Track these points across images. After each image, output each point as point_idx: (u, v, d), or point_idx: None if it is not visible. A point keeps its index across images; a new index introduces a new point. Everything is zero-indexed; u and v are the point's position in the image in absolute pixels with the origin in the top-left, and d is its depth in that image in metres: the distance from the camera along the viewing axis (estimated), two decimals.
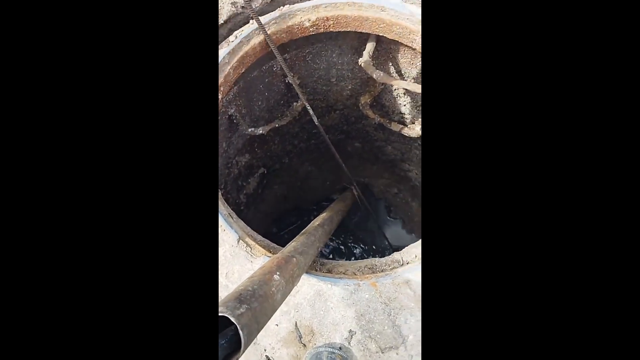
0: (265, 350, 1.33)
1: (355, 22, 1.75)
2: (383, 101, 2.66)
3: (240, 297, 0.83)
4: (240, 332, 0.74)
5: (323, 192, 3.62)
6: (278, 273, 1.02)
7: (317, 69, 2.43)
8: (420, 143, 2.83)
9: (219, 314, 0.75)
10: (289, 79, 1.90)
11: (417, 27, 1.66)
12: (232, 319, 0.75)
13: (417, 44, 1.73)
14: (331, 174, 3.48)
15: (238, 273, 1.39)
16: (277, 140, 2.85)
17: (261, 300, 0.87)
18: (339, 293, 1.38)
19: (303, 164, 3.31)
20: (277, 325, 1.34)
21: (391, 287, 1.39)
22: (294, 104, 2.50)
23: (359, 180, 3.54)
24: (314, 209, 3.62)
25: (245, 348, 0.77)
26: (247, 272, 1.39)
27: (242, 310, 0.79)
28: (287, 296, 1.04)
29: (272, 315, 0.92)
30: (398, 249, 3.54)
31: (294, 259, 1.15)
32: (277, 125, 2.40)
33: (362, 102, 2.57)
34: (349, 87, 2.61)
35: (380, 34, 1.80)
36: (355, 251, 3.57)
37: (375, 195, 3.66)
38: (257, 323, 0.82)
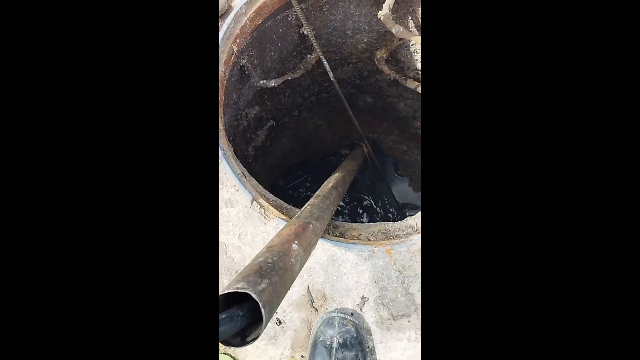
0: (276, 312, 1.32)
1: None
2: (399, 56, 2.56)
3: (261, 271, 0.80)
4: (262, 309, 0.72)
5: (332, 146, 3.56)
6: (296, 242, 0.99)
7: (333, 20, 2.33)
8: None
9: (240, 290, 0.72)
10: (306, 31, 1.82)
11: None
12: (254, 296, 0.72)
13: None
14: (341, 128, 3.41)
15: (251, 234, 1.36)
16: (287, 93, 2.77)
17: (281, 272, 0.84)
18: (353, 259, 1.36)
19: (313, 117, 3.24)
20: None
21: (406, 255, 1.37)
22: (308, 56, 2.41)
23: (368, 136, 3.48)
24: (322, 163, 3.57)
25: (267, 324, 0.75)
26: (260, 234, 1.36)
27: (263, 285, 0.76)
28: (304, 265, 1.02)
29: (290, 286, 0.90)
30: (404, 206, 3.55)
31: (311, 225, 1.12)
32: (289, 78, 2.33)
33: (378, 56, 2.48)
34: (365, 41, 2.51)
35: None
36: (363, 207, 3.55)
37: (384, 152, 3.60)
38: (278, 297, 0.80)
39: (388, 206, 3.56)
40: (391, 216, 3.52)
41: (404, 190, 3.62)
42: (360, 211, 3.53)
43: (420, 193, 3.55)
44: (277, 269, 0.83)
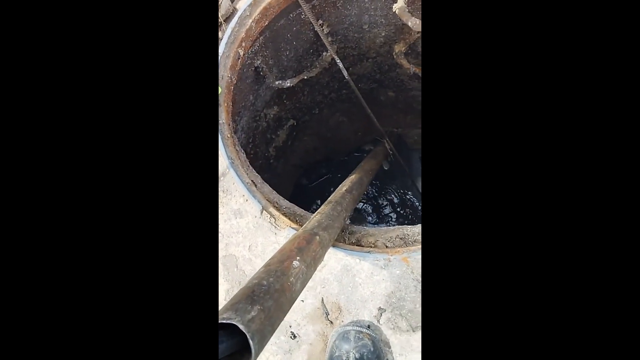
0: (290, 326, 1.28)
1: None
2: (419, 49, 2.47)
3: (253, 296, 0.75)
4: (250, 341, 0.67)
5: (355, 142, 3.49)
6: (298, 258, 0.93)
7: (349, 15, 2.26)
8: None
9: (227, 321, 0.68)
10: (317, 30, 1.75)
11: None
12: (242, 327, 0.67)
13: None
14: (363, 123, 3.34)
15: (262, 246, 1.32)
16: (306, 91, 2.72)
17: (277, 295, 0.79)
18: (368, 268, 1.30)
19: (334, 114, 3.18)
20: (302, 301, 1.28)
21: None
22: (324, 53, 2.35)
23: (392, 131, 3.40)
24: (345, 160, 3.51)
25: (257, 355, 0.70)
26: (271, 244, 1.32)
27: (253, 313, 0.71)
28: (307, 282, 0.96)
29: (289, 309, 0.85)
30: None
31: (317, 237, 1.07)
32: (305, 77, 2.27)
33: (397, 50, 2.40)
34: (383, 34, 2.43)
35: None
36: (385, 207, 3.48)
37: (409, 146, 3.52)
38: (272, 324, 0.75)
39: (413, 202, 3.47)
40: (412, 216, 3.43)
41: None
42: (384, 208, 3.46)
43: None
44: (272, 292, 0.78)
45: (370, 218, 3.43)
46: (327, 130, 3.26)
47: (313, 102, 2.87)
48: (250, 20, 1.56)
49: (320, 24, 2.20)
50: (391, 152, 2.84)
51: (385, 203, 3.48)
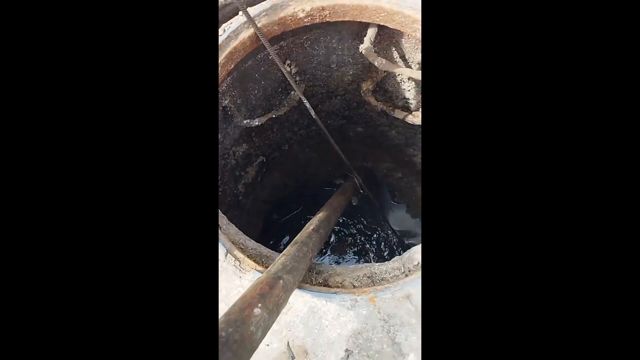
0: None
1: (353, 11, 1.62)
2: (386, 86, 2.53)
3: None
4: None
5: (325, 177, 3.52)
6: (260, 305, 0.93)
7: (316, 55, 2.30)
8: None
9: None
10: (284, 72, 1.78)
11: (420, 16, 1.53)
12: None
13: (420, 33, 1.60)
14: (333, 159, 3.36)
15: (226, 290, 1.30)
16: (275, 129, 2.74)
17: (236, 347, 0.78)
18: (335, 309, 1.30)
19: (304, 150, 3.20)
20: (267, 345, 1.26)
21: (391, 302, 1.30)
22: (292, 92, 2.38)
23: (363, 165, 3.43)
24: (316, 194, 3.52)
25: None
26: (235, 288, 1.30)
27: None
28: (269, 328, 0.96)
29: (249, 358, 0.84)
30: (402, 234, 3.48)
31: (281, 281, 1.06)
32: (274, 116, 2.29)
33: (364, 88, 2.45)
34: (351, 73, 2.48)
35: (381, 23, 1.67)
36: (355, 238, 3.49)
37: (379, 180, 3.55)
38: None
39: (384, 236, 3.49)
40: (387, 250, 3.45)
41: (402, 217, 3.55)
42: (355, 246, 3.47)
43: (417, 220, 3.49)
44: (230, 344, 0.77)
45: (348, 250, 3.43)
46: (297, 166, 3.28)
47: (282, 138, 2.89)
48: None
49: (288, 64, 2.23)
50: (361, 189, 2.86)
51: (358, 237, 3.49)
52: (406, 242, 3.45)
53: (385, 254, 3.42)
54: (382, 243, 3.48)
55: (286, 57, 2.22)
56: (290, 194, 3.44)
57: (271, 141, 2.80)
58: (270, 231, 3.32)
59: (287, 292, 1.07)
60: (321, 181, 3.52)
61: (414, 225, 3.51)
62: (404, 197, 3.58)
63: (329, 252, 3.39)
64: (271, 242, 3.33)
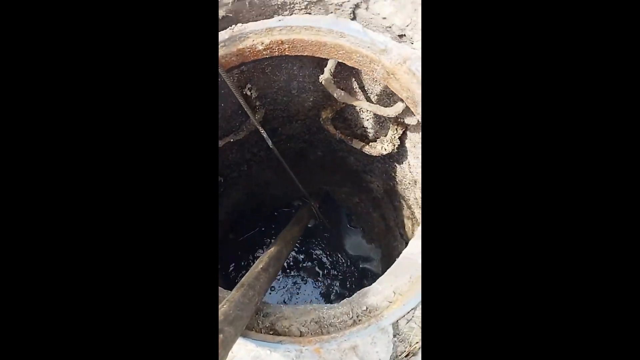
0: None
1: (312, 46, 1.64)
2: (346, 115, 2.56)
3: None
4: None
5: (283, 198, 3.52)
6: None
7: (277, 80, 2.31)
8: (381, 159, 2.75)
9: None
10: (240, 102, 1.78)
11: (378, 57, 1.57)
12: None
13: (378, 73, 1.63)
14: (292, 181, 3.39)
15: None
16: (235, 149, 2.73)
17: None
18: None
19: (263, 170, 3.20)
20: None
21: (336, 354, 1.30)
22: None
23: (321, 188, 3.45)
24: (273, 215, 3.52)
25: None
26: None
27: None
28: None
29: None
30: (357, 259, 3.51)
31: (221, 335, 1.05)
32: (231, 140, 2.29)
33: (324, 116, 2.47)
34: (311, 99, 2.50)
35: (340, 60, 1.69)
36: (312, 265, 3.50)
37: (337, 203, 3.58)
38: None
39: (339, 261, 3.51)
40: (341, 275, 3.47)
41: (357, 242, 3.59)
42: (307, 271, 3.48)
43: (372, 245, 3.53)
44: None
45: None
46: (256, 187, 3.27)
47: (242, 159, 2.88)
48: None
49: (248, 88, 2.24)
50: (318, 216, 2.88)
51: (313, 261, 3.50)
52: (360, 266, 3.48)
53: (339, 277, 3.44)
54: (336, 266, 3.50)
55: (247, 81, 2.22)
56: (247, 213, 3.42)
57: (230, 162, 2.79)
58: (227, 252, 3.29)
59: (226, 347, 1.05)
60: (280, 202, 3.53)
61: (368, 250, 3.54)
62: (360, 222, 3.62)
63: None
64: (229, 267, 3.30)
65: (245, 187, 3.19)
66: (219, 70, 1.53)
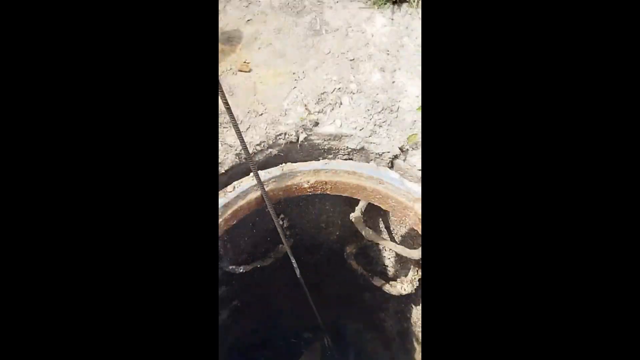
0: None
1: (352, 189, 1.78)
2: (368, 252, 2.65)
3: None
4: None
5: (294, 328, 3.48)
6: None
7: (309, 213, 2.44)
8: (397, 298, 2.78)
9: None
10: (279, 231, 1.88)
11: (412, 204, 1.69)
12: None
13: (410, 218, 1.75)
14: (304, 309, 3.38)
15: None
16: (256, 275, 2.78)
17: None
18: None
19: (277, 297, 3.21)
20: None
21: None
22: (280, 245, 2.47)
23: (334, 321, 3.43)
24: (282, 346, 3.46)
25: None
26: None
27: None
28: None
29: None
30: None
31: None
32: (258, 266, 2.36)
33: (348, 251, 2.56)
34: (337, 233, 2.61)
35: (376, 204, 1.83)
36: None
37: (347, 339, 3.53)
38: None
39: None
40: None
41: None
42: None
43: None
44: None
45: None
46: (269, 313, 3.26)
47: (261, 285, 2.92)
48: (221, 220, 1.68)
49: (281, 218, 2.36)
50: (329, 349, 2.84)
51: None
52: None
53: None
54: None
55: (281, 212, 2.35)
56: (257, 342, 3.37)
57: (249, 286, 2.83)
58: None
59: None
60: (290, 331, 3.48)
61: None
62: None
63: None
64: None
65: (258, 313, 3.18)
66: (265, 198, 1.65)
